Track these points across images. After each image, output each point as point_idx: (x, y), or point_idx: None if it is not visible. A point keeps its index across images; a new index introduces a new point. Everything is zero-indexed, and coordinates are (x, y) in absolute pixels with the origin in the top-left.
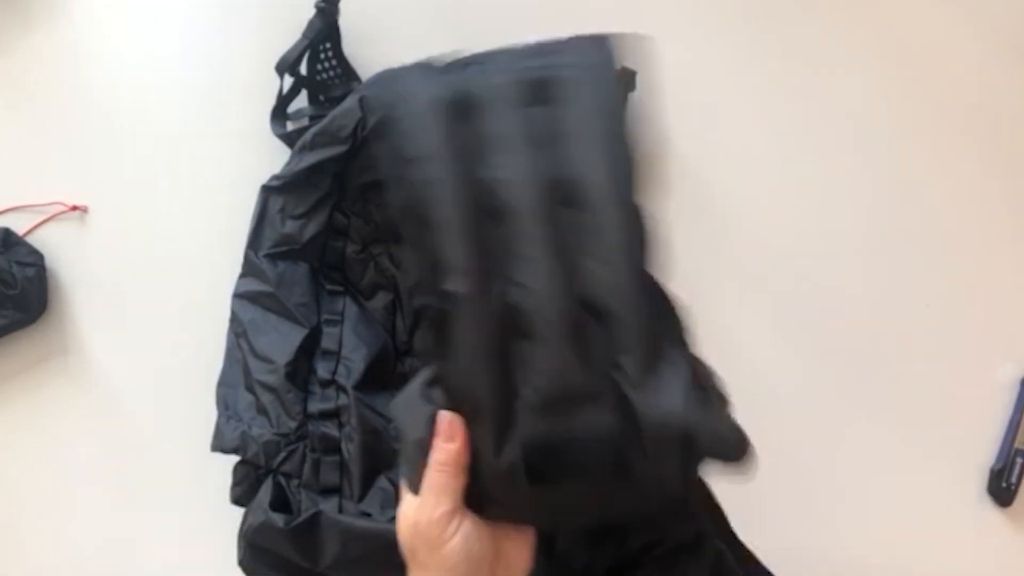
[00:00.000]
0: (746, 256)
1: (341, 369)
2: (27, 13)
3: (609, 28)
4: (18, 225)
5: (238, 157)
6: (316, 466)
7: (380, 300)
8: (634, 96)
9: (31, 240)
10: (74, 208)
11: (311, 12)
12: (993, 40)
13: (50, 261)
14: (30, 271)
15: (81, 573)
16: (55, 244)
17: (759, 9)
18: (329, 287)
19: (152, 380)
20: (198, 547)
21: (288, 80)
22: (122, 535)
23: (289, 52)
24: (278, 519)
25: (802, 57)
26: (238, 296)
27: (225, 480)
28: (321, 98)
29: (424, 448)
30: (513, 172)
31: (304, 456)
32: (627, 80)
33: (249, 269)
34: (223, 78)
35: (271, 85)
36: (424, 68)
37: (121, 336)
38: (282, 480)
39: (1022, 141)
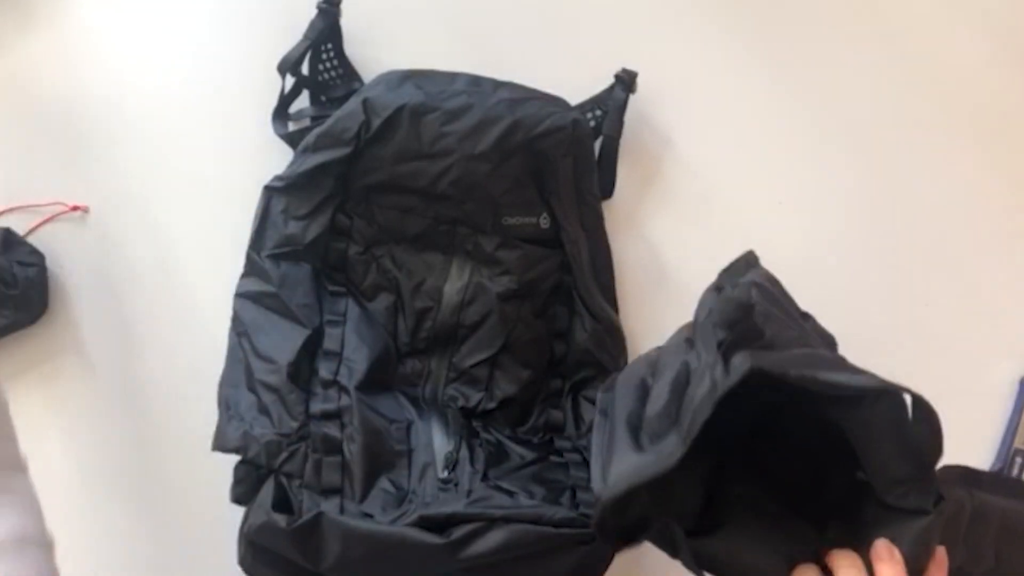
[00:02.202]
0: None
1: (343, 370)
2: (28, 13)
3: (611, 30)
4: (18, 225)
5: (239, 157)
6: (318, 467)
7: (382, 301)
8: (635, 97)
9: (31, 240)
10: (74, 208)
11: (313, 12)
12: (993, 40)
13: (50, 261)
14: (30, 271)
15: (81, 572)
16: (55, 244)
17: (760, 10)
18: (331, 288)
19: (152, 380)
20: (198, 545)
21: (290, 80)
22: (122, 534)
23: (291, 52)
24: (280, 520)
25: (803, 58)
26: (240, 296)
27: (225, 479)
28: (323, 98)
29: None
30: None
31: (306, 456)
32: (628, 81)
33: (251, 269)
34: (224, 78)
35: (272, 85)
36: None
37: (121, 336)
38: (284, 480)
39: (1022, 141)
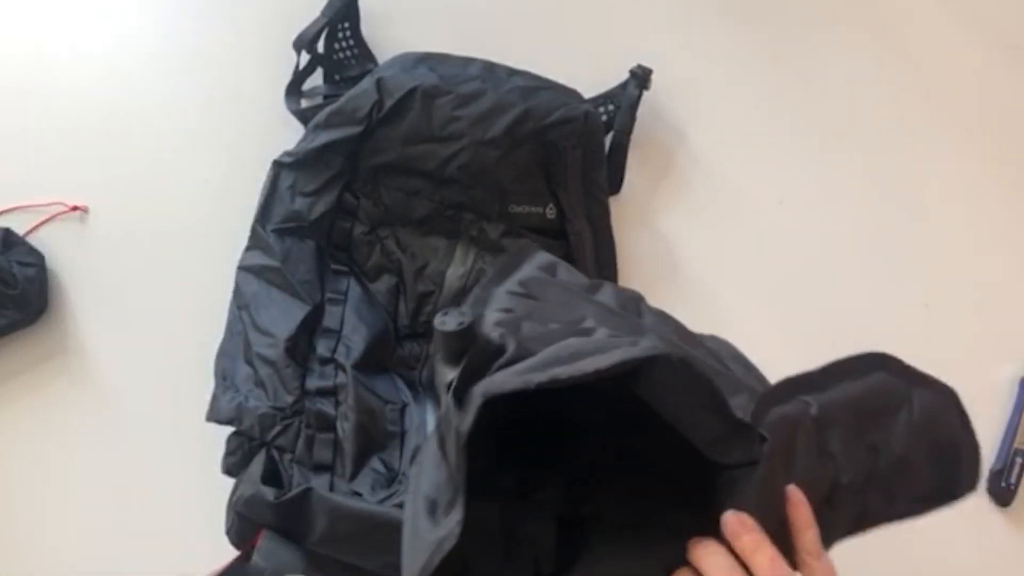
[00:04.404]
0: (748, 255)
1: (341, 348)
2: (27, 10)
3: (628, 25)
4: (18, 225)
5: (250, 131)
6: (310, 442)
7: (384, 283)
8: (648, 94)
9: (31, 240)
10: (74, 208)
11: None
12: (994, 41)
13: (50, 261)
14: (30, 271)
15: (81, 570)
16: (55, 244)
17: (772, 14)
18: (334, 266)
19: (152, 380)
20: (198, 545)
21: (305, 57)
22: (122, 534)
23: (307, 29)
24: (268, 492)
25: (813, 59)
26: (243, 269)
27: (226, 481)
28: (336, 77)
29: None
30: None
31: (299, 432)
32: (643, 78)
33: (256, 243)
34: (239, 53)
35: (287, 61)
36: None
37: (121, 336)
38: (275, 454)
39: (1022, 141)
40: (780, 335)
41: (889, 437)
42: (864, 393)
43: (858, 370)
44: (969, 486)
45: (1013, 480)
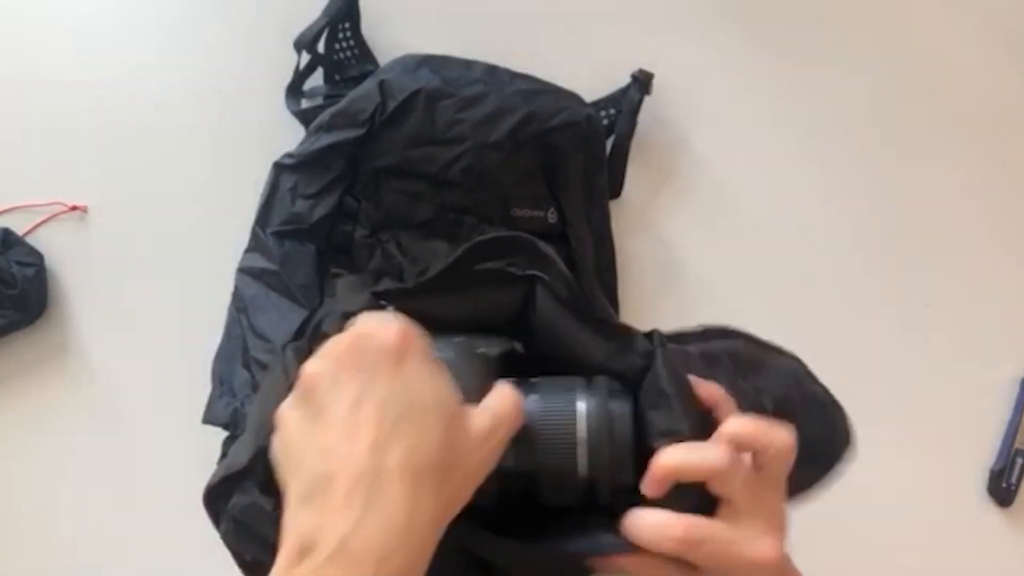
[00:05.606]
0: (749, 258)
1: None
2: (24, 8)
3: (630, 29)
4: (18, 225)
5: (249, 132)
6: None
7: (385, 287)
8: (650, 99)
9: (31, 240)
10: (74, 208)
11: None
12: (994, 40)
13: (50, 261)
14: (30, 271)
15: (80, 572)
16: (55, 244)
17: (766, 11)
18: (334, 270)
19: (152, 380)
20: (198, 546)
21: (305, 58)
22: (122, 535)
23: (308, 29)
24: (266, 503)
25: (816, 62)
26: (242, 271)
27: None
28: (337, 78)
29: None
30: None
31: None
32: (644, 82)
33: (255, 245)
34: (238, 53)
35: (286, 61)
36: None
37: (121, 336)
38: (271, 460)
39: (1022, 141)
40: (781, 336)
41: (769, 381)
42: (735, 349)
43: (722, 335)
44: (848, 439)
45: (1013, 480)
